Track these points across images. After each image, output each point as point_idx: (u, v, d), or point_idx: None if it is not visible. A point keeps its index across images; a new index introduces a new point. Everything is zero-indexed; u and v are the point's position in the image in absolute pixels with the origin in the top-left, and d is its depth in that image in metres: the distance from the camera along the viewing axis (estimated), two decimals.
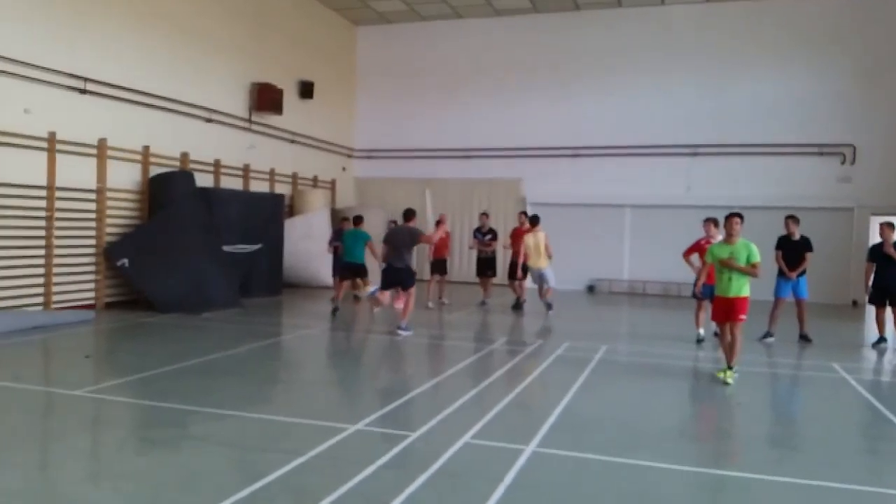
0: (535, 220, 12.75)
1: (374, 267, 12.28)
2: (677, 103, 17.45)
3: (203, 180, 13.60)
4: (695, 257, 9.85)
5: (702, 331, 9.91)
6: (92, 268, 11.49)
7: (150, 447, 5.01)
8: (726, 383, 7.25)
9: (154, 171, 12.55)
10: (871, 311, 11.02)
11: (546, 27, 18.54)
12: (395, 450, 4.85)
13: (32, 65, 10.27)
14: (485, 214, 14.73)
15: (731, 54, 17.10)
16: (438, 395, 6.74)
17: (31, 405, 6.00)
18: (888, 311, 9.97)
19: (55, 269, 10.76)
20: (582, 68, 18.24)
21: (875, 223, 13.40)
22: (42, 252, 10.60)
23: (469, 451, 4.90)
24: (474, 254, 14.70)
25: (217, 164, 14.39)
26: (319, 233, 15.84)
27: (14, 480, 4.26)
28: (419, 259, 14.29)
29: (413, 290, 10.12)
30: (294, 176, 17.29)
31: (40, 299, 10.57)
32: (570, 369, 7.81)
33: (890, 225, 9.90)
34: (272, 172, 16.32)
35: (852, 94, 16.38)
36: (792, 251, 10.12)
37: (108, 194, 11.69)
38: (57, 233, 10.77)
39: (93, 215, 11.48)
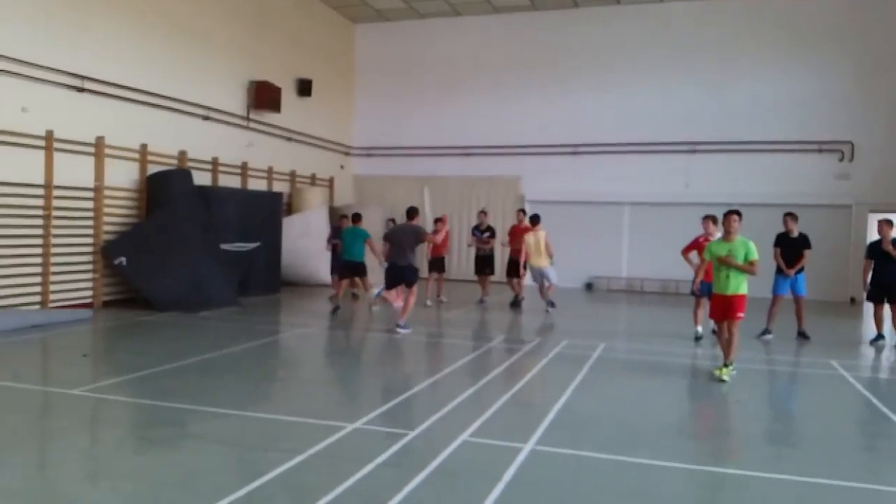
0: (535, 220, 12.76)
1: (374, 265, 12.28)
2: (676, 100, 17.43)
3: (201, 178, 13.59)
4: (693, 255, 9.84)
5: (700, 328, 9.92)
6: (89, 266, 11.48)
7: (149, 446, 5.01)
8: (722, 380, 7.26)
9: (152, 169, 12.54)
10: (869, 308, 11.03)
11: (545, 24, 18.52)
12: (394, 448, 4.85)
13: (30, 63, 10.24)
14: (483, 212, 14.75)
15: (730, 51, 17.08)
16: (437, 394, 6.74)
17: (29, 404, 5.99)
18: (886, 308, 9.98)
19: (53, 268, 10.74)
20: (581, 66, 18.21)
21: (873, 220, 13.38)
22: (40, 251, 10.58)
23: (468, 449, 4.91)
24: (472, 251, 14.68)
25: (215, 162, 14.38)
26: (317, 231, 15.82)
27: (13, 480, 4.25)
28: (418, 257, 14.25)
29: (415, 289, 10.13)
30: (292, 174, 17.27)
31: (38, 298, 10.55)
32: (569, 367, 7.81)
33: (888, 222, 9.89)
34: (270, 170, 16.30)
35: (851, 91, 16.37)
36: (790, 248, 10.13)
37: (106, 193, 11.67)
38: (54, 231, 10.75)
39: (90, 214, 11.46)
